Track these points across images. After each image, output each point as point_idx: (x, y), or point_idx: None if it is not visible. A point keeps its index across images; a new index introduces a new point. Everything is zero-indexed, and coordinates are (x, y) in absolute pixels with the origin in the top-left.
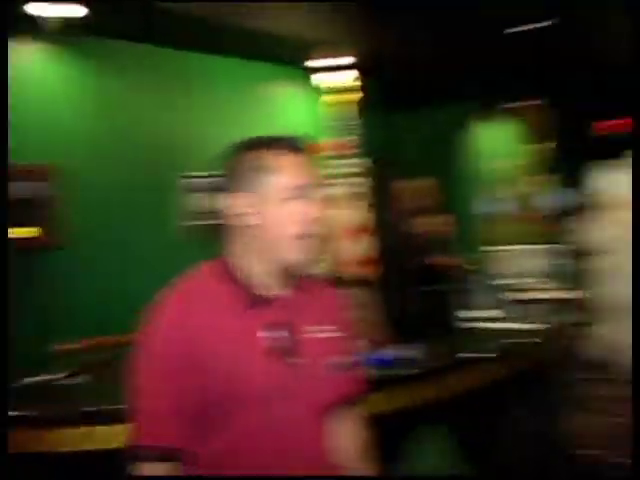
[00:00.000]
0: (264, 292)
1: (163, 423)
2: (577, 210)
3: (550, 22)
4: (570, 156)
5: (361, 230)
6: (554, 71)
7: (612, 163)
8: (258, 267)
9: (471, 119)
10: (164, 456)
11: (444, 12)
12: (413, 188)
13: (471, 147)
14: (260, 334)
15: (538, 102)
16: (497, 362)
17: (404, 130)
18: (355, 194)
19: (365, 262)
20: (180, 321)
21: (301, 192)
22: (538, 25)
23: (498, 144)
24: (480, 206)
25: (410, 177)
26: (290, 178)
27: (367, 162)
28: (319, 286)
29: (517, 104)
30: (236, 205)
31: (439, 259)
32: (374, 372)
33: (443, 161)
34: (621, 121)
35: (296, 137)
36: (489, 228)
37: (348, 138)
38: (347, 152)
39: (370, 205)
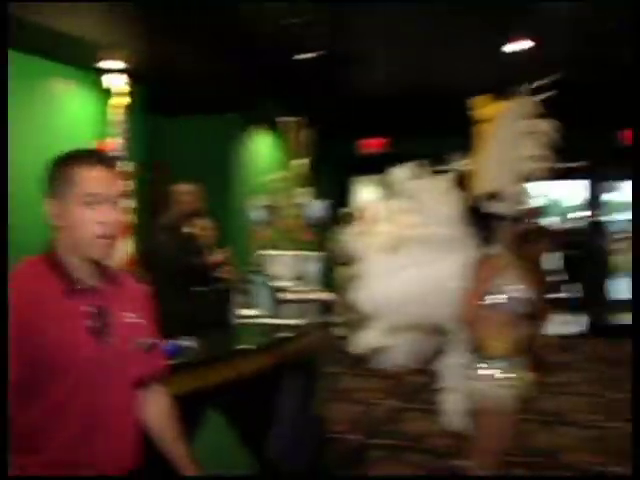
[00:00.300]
0: (82, 282)
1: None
2: (338, 220)
3: (318, 53)
4: (333, 171)
5: (125, 231)
6: (318, 94)
7: (372, 179)
8: (74, 261)
9: (243, 130)
10: None
11: (217, 30)
12: (183, 191)
13: (243, 156)
14: (79, 317)
15: (300, 120)
16: (267, 353)
17: (175, 135)
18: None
19: (130, 262)
20: (16, 301)
21: (100, 199)
22: (309, 55)
23: (268, 155)
24: (251, 212)
25: (181, 181)
26: (91, 187)
27: (133, 164)
28: (126, 278)
29: (284, 120)
30: (51, 209)
31: (211, 260)
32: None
33: (215, 167)
34: (380, 141)
35: (103, 152)
36: (260, 233)
37: (118, 140)
38: (117, 153)
39: (137, 207)
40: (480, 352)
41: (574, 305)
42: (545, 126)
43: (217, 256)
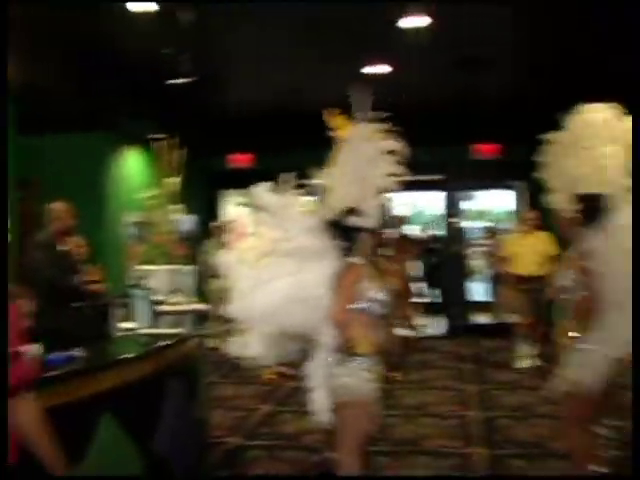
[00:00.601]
0: None
1: None
2: (208, 234)
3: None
4: (203, 186)
5: None
6: (188, 113)
7: (239, 192)
8: None
9: (114, 148)
10: None
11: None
12: (57, 209)
13: (115, 173)
14: None
15: (170, 139)
16: (148, 361)
17: (46, 154)
18: None
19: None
20: None
21: None
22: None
23: (140, 173)
24: (125, 229)
25: (53, 199)
26: None
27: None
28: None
29: (155, 138)
30: None
31: (87, 277)
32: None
33: (86, 185)
34: (247, 157)
35: None
36: (135, 249)
37: None
38: None
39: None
40: (347, 351)
41: (434, 308)
42: (393, 145)
43: (90, 272)
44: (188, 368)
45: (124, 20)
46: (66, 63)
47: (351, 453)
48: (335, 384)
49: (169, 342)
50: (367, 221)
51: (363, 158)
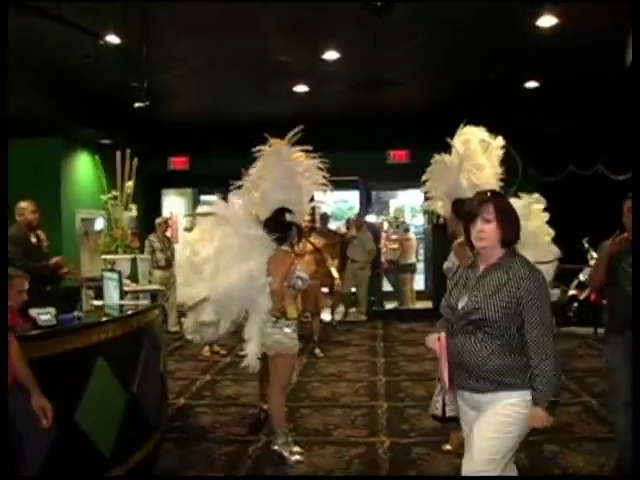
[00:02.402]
0: None
1: None
2: (152, 228)
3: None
4: (147, 185)
5: None
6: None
7: (177, 191)
8: None
9: (71, 151)
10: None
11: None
12: (24, 207)
13: (71, 175)
14: None
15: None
16: (128, 321)
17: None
18: None
19: None
20: None
21: None
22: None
23: (95, 174)
24: (89, 224)
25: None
26: None
27: None
28: None
29: (106, 144)
30: None
31: (53, 263)
32: None
33: (46, 185)
34: (185, 159)
35: None
36: (99, 241)
37: None
38: None
39: None
40: (281, 316)
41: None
42: (314, 163)
43: (56, 260)
44: (153, 330)
45: (86, 47)
46: (29, 78)
47: (281, 393)
48: (269, 340)
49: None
50: (295, 218)
51: (292, 172)
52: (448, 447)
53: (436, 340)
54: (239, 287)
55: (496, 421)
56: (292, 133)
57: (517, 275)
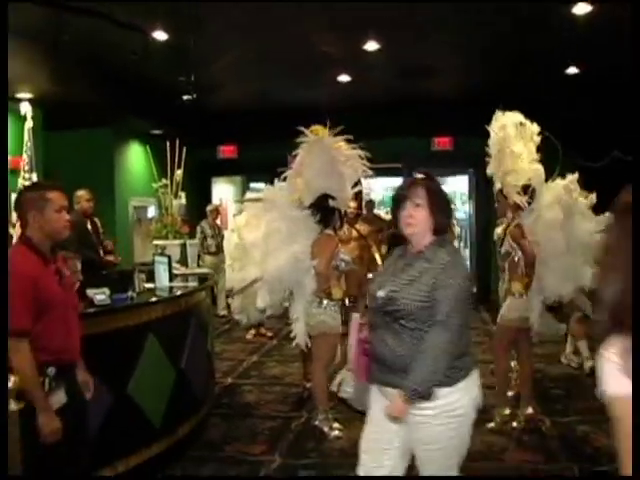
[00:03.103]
0: (48, 255)
1: (26, 316)
2: (202, 215)
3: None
4: (197, 173)
5: None
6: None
7: (228, 179)
8: (44, 244)
9: (123, 141)
10: (27, 332)
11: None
12: (80, 195)
13: (124, 164)
14: (53, 275)
15: (169, 132)
16: (177, 301)
17: (64, 149)
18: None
19: None
20: (24, 269)
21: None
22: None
23: (146, 163)
24: (141, 211)
25: (75, 187)
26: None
27: (36, 174)
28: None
29: (157, 134)
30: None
31: (106, 249)
32: None
33: (99, 174)
34: (233, 148)
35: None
36: (151, 227)
37: (24, 156)
38: (23, 167)
39: None
40: (325, 297)
41: None
42: (356, 152)
43: (107, 245)
44: (200, 311)
45: (135, 43)
46: (83, 74)
47: (323, 371)
48: (314, 320)
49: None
50: (337, 203)
51: (333, 159)
52: (492, 425)
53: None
54: (286, 269)
55: (435, 432)
56: (333, 123)
57: (438, 265)
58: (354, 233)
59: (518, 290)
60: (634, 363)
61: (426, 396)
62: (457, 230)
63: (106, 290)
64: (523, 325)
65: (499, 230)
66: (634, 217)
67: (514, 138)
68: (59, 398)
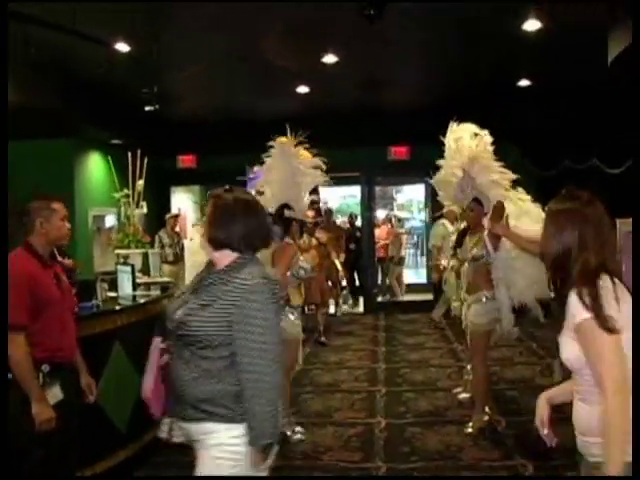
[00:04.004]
0: (47, 260)
1: (22, 312)
2: (162, 224)
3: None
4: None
5: None
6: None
7: (186, 188)
8: (45, 250)
9: (78, 151)
10: (23, 327)
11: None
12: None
13: (85, 174)
14: (51, 279)
15: (130, 143)
16: (141, 309)
17: (24, 158)
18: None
19: None
20: (23, 269)
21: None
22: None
23: (107, 173)
24: (104, 221)
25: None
26: (63, 212)
27: None
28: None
29: (116, 144)
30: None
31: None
32: None
33: (58, 183)
34: (191, 157)
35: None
36: (113, 237)
37: None
38: None
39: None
40: (285, 303)
41: (354, 289)
42: (316, 161)
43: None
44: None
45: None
46: (44, 83)
47: (284, 376)
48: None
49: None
50: (295, 213)
51: (294, 169)
52: (469, 430)
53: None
54: None
55: (212, 465)
56: (292, 133)
57: (239, 287)
58: (313, 241)
59: (486, 295)
60: (634, 363)
61: (272, 437)
62: (405, 238)
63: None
64: (492, 328)
65: (454, 237)
66: (634, 218)
67: (471, 149)
68: (54, 394)
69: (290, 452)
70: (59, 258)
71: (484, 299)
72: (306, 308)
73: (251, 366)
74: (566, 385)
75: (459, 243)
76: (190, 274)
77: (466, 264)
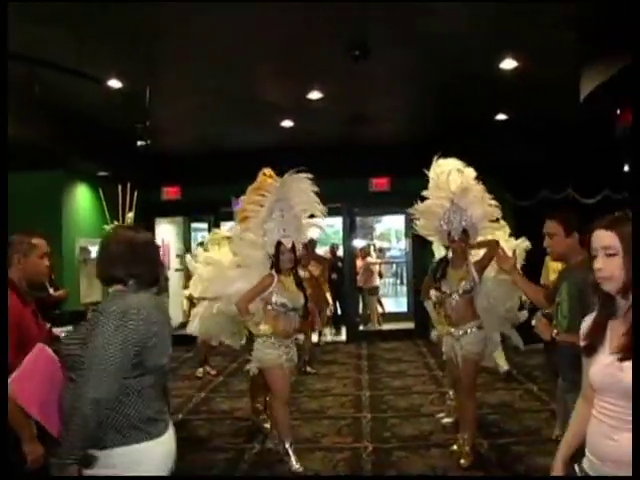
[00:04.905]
0: (26, 296)
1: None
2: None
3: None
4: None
5: None
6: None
7: (170, 220)
8: (23, 285)
9: (67, 182)
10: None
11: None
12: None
13: (71, 205)
14: (31, 313)
15: (115, 175)
16: None
17: (14, 189)
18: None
19: None
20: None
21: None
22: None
23: (94, 205)
24: (88, 252)
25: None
26: (45, 248)
27: None
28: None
29: (103, 176)
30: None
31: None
32: None
33: (46, 214)
34: (176, 188)
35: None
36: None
37: None
38: None
39: None
40: (255, 333)
41: (336, 319)
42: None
43: (60, 294)
44: None
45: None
46: (32, 116)
47: (281, 405)
48: (254, 355)
49: None
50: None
51: (271, 206)
52: (454, 447)
53: None
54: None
55: None
56: (276, 165)
57: (98, 316)
58: (306, 274)
59: (475, 324)
60: (634, 362)
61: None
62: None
63: (70, 328)
64: (482, 356)
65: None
66: (634, 219)
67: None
68: None
69: (283, 475)
70: (50, 289)
71: (475, 329)
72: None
73: (76, 387)
74: (571, 439)
75: (443, 274)
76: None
77: (452, 296)
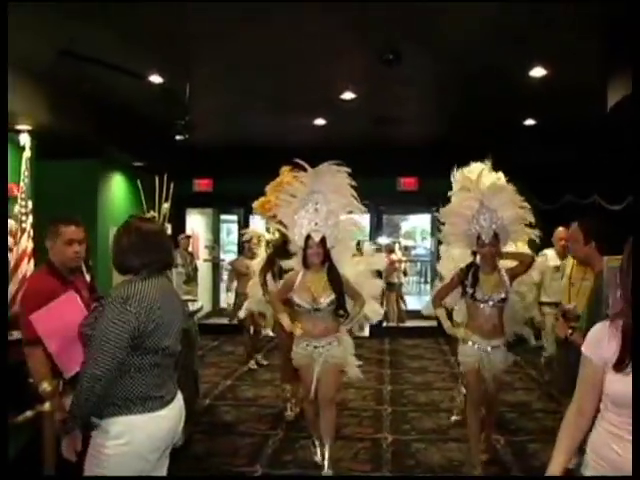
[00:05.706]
0: (67, 278)
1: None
2: (176, 244)
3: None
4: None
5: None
6: (165, 147)
7: (201, 211)
8: (62, 266)
9: (103, 172)
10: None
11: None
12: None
13: (105, 192)
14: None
15: (150, 166)
16: None
17: (52, 177)
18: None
19: None
20: (42, 286)
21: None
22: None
23: (125, 193)
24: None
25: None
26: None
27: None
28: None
29: (139, 166)
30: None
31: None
32: None
33: (83, 202)
34: (207, 181)
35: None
36: None
37: (22, 184)
38: (19, 194)
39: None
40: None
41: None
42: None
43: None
44: (190, 334)
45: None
46: (77, 109)
47: (305, 401)
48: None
49: None
50: (295, 246)
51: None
52: (454, 417)
53: None
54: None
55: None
56: (307, 162)
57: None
58: None
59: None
60: (634, 362)
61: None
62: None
63: None
64: None
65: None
66: (634, 220)
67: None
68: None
69: (304, 462)
70: (87, 275)
71: (503, 347)
72: None
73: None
74: (563, 447)
75: (475, 281)
76: None
77: (482, 306)
